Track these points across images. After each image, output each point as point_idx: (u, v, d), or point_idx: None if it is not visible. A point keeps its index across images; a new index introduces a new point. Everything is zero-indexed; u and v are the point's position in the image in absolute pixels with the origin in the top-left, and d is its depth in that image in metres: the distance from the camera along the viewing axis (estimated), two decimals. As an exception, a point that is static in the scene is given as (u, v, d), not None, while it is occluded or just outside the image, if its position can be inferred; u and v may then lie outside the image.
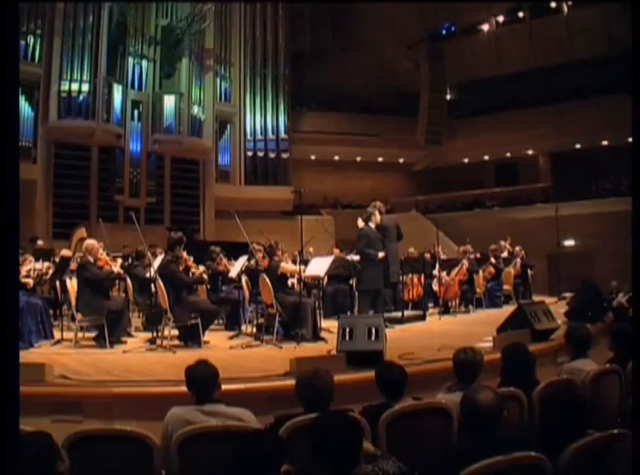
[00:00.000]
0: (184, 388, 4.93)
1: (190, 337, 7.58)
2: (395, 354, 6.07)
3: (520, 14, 24.41)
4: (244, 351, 7.22)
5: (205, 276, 8.20)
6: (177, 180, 20.22)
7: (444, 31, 26.24)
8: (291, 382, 5.04)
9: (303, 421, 3.19)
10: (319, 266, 8.68)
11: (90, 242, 8.11)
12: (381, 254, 8.86)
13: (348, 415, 2.71)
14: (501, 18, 24.96)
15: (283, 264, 8.14)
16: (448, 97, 27.18)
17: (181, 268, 8.02)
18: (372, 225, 9.08)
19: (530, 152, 25.97)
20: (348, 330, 5.62)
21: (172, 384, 5.01)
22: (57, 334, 8.23)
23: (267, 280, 7.86)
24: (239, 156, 22.19)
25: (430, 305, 11.89)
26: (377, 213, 9.12)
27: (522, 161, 26.65)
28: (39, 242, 13.96)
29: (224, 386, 4.97)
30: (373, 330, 5.52)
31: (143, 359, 6.73)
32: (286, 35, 23.49)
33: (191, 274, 8.86)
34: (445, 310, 11.34)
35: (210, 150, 20.85)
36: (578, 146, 23.77)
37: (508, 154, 26.46)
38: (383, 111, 26.36)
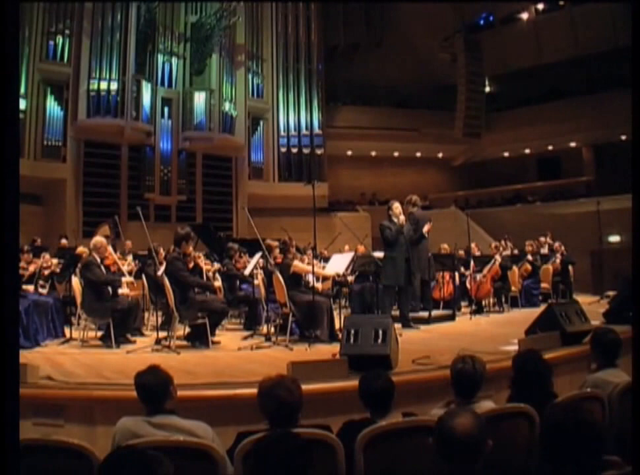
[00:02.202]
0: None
1: (198, 337, 7.21)
2: (409, 358, 5.59)
3: (561, 2, 23.41)
4: (252, 352, 6.83)
5: (218, 283, 7.69)
6: (209, 177, 19.97)
7: (481, 22, 25.38)
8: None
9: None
10: (338, 264, 8.26)
11: (98, 239, 7.80)
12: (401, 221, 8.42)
13: (297, 435, 2.25)
14: (540, 6, 23.93)
15: (296, 262, 7.66)
16: (487, 89, 26.33)
17: (190, 265, 7.66)
18: (394, 219, 8.57)
19: (572, 144, 24.92)
20: (353, 331, 5.12)
21: None
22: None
23: (280, 278, 7.44)
24: (272, 152, 21.79)
25: (464, 304, 11.35)
26: (395, 206, 8.63)
27: (565, 154, 25.62)
28: (63, 241, 13.92)
29: (210, 391, 4.62)
30: (380, 332, 5.01)
31: (143, 361, 6.32)
32: (318, 30, 23.01)
33: (205, 272, 8.53)
34: (478, 309, 10.78)
35: (242, 147, 20.53)
36: (623, 137, 22.68)
37: (550, 147, 25.46)
38: (420, 104, 25.70)
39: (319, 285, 7.75)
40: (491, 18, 25.10)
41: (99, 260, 7.55)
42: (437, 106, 25.81)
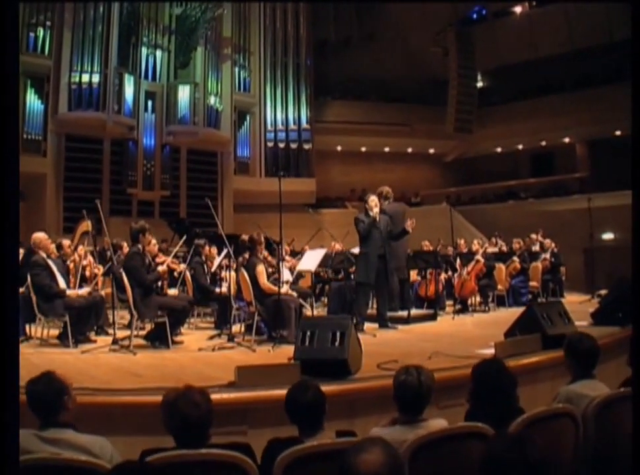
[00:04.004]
0: (103, 398, 4.16)
1: (159, 337, 6.76)
2: (376, 361, 5.14)
3: (555, -5, 22.95)
4: (212, 353, 6.36)
5: (163, 269, 7.09)
6: (194, 172, 19.55)
7: (474, 15, 24.89)
8: (230, 395, 4.19)
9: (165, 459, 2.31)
10: (310, 261, 7.82)
11: (37, 235, 7.30)
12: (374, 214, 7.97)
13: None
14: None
15: (260, 271, 7.11)
16: (479, 84, 25.89)
17: (159, 260, 7.23)
18: (370, 212, 8.11)
19: (566, 140, 24.50)
20: (308, 333, 4.65)
21: (89, 392, 4.24)
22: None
23: (246, 275, 6.99)
24: (259, 147, 21.41)
25: (451, 303, 10.90)
26: (371, 199, 8.17)
27: (558, 150, 25.20)
28: (44, 235, 13.51)
29: (154, 398, 4.16)
30: (338, 334, 4.54)
31: (95, 361, 5.95)
32: (308, 23, 22.64)
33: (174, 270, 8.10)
34: (463, 308, 10.34)
35: (228, 142, 20.13)
36: (618, 132, 22.28)
37: (543, 143, 25.03)
38: (412, 99, 25.19)
39: (285, 288, 7.25)
40: (484, 12, 24.61)
41: (45, 255, 7.09)
42: (429, 101, 25.38)
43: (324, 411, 2.82)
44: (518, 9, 23.83)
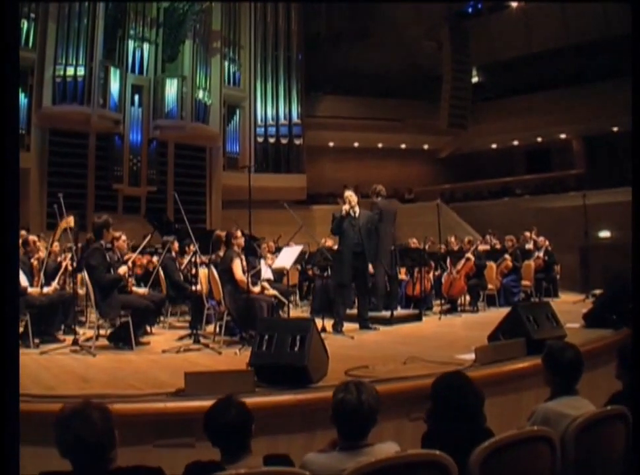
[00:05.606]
0: (35, 406, 3.81)
1: (123, 337, 6.35)
2: (345, 367, 4.71)
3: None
4: (175, 356, 5.92)
5: (124, 270, 6.61)
6: (181, 168, 19.19)
7: (469, 9, 24.48)
8: (176, 404, 3.79)
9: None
10: (286, 258, 7.41)
11: None
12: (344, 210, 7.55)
13: None
14: (531, -7, 23.12)
15: (236, 264, 6.70)
16: (474, 79, 25.49)
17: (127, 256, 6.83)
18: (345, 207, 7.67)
19: (562, 136, 24.20)
20: (266, 337, 4.22)
21: (27, 399, 3.81)
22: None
23: (215, 273, 6.58)
24: (248, 142, 21.07)
25: (438, 302, 10.47)
26: (345, 195, 7.76)
27: (555, 146, 24.91)
28: (23, 232, 13.19)
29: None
30: (298, 339, 4.10)
31: (46, 364, 5.52)
32: (299, 17, 22.29)
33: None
34: (452, 308, 9.91)
35: (217, 136, 19.73)
36: (615, 128, 21.93)
37: (539, 139, 24.73)
38: (406, 94, 24.80)
39: (256, 289, 6.85)
40: (479, 6, 24.21)
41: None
42: (423, 96, 25.02)
43: (250, 432, 2.41)
44: (514, 3, 23.44)
